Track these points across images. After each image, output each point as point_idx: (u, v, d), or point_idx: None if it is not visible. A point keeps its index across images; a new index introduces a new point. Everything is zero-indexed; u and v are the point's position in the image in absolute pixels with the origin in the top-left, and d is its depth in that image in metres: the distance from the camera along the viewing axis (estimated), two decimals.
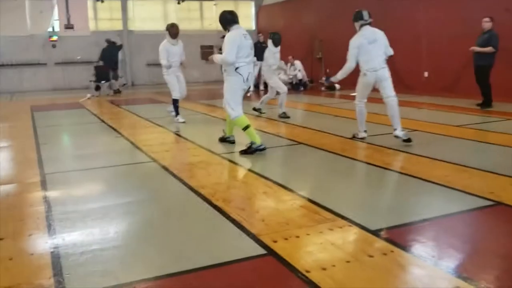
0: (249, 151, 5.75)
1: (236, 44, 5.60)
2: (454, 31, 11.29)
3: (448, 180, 4.36)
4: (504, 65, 10.24)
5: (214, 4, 20.28)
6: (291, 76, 15.23)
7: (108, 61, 15.00)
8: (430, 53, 12.12)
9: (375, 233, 3.20)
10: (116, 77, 15.35)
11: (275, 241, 3.09)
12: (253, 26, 21.06)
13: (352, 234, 3.24)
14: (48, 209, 3.91)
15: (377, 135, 6.80)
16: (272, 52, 8.94)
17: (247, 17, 21.18)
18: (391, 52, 6.19)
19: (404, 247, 2.97)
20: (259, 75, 15.93)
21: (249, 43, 5.82)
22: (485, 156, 5.50)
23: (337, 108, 10.28)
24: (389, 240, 3.09)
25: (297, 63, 15.25)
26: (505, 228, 3.38)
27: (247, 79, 5.81)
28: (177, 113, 8.77)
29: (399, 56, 12.94)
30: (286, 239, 3.13)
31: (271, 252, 2.97)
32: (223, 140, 6.55)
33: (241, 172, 5.02)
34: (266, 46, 14.87)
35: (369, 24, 6.18)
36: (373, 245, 3.05)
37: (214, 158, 5.71)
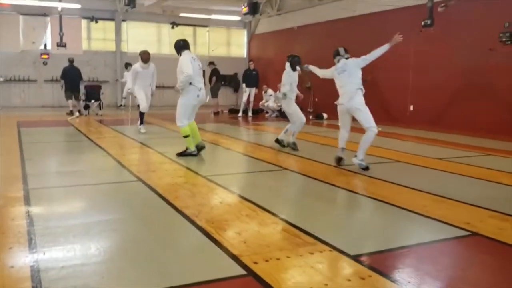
0: (184, 154, 7.28)
1: (189, 62, 6.99)
2: (440, 65, 11.62)
3: (427, 209, 4.46)
4: (487, 102, 10.55)
5: (207, 31, 20.62)
6: (279, 104, 15.41)
7: (70, 81, 14.77)
8: (416, 87, 12.40)
9: (354, 258, 3.25)
10: (77, 98, 14.94)
11: (255, 263, 3.13)
12: (244, 54, 21.39)
13: (331, 258, 3.29)
14: (30, 223, 3.90)
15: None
16: (289, 76, 8.23)
17: (239, 45, 21.53)
18: (373, 55, 6.55)
19: (382, 272, 3.03)
20: (248, 101, 16.15)
21: (198, 64, 7.21)
22: (464, 188, 5.63)
23: (323, 136, 10.44)
24: (367, 265, 3.15)
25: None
26: (480, 258, 3.46)
27: (199, 95, 7.12)
28: (141, 122, 10.33)
29: (387, 88, 13.36)
30: (266, 261, 3.17)
31: (251, 273, 3.00)
32: (182, 152, 7.37)
33: (225, 194, 5.07)
34: (256, 73, 14.98)
35: (347, 58, 6.78)
36: (351, 269, 3.11)
37: (199, 179, 5.76)
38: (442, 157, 7.65)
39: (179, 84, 7.04)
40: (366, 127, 6.31)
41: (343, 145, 6.73)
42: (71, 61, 15.07)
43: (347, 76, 6.53)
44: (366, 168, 6.29)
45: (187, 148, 7.31)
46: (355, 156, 6.39)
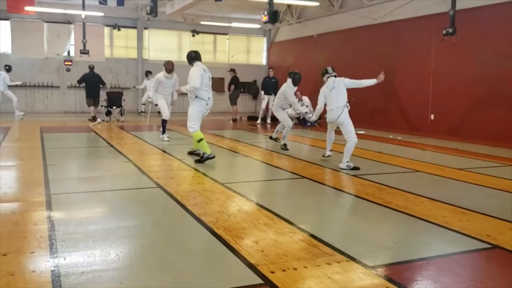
0: (202, 160, 7.35)
1: (200, 74, 7.29)
2: (462, 74, 11.49)
3: (447, 221, 4.41)
4: (510, 111, 10.38)
5: (227, 38, 20.77)
6: (298, 112, 15.41)
7: (91, 87, 15.05)
8: (436, 96, 12.27)
9: (372, 269, 3.24)
10: (96, 105, 15.17)
11: (272, 272, 3.14)
12: (263, 61, 21.47)
13: (349, 269, 3.27)
14: (52, 229, 3.98)
15: (379, 173, 6.88)
16: (291, 90, 9.24)
17: (259, 53, 21.63)
18: (361, 83, 7.46)
19: (399, 284, 3.00)
20: (267, 108, 16.19)
21: (207, 75, 7.48)
22: (484, 199, 5.53)
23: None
24: (385, 277, 3.13)
25: (305, 98, 15.46)
26: (500, 271, 3.40)
27: (207, 103, 7.51)
28: (163, 132, 10.36)
29: (407, 97, 13.25)
30: (283, 270, 3.18)
31: (268, 282, 3.01)
32: (198, 157, 7.63)
33: (243, 202, 5.09)
34: (276, 81, 15.32)
35: (334, 76, 7.59)
36: (369, 281, 3.09)
37: (217, 187, 5.79)
38: (463, 167, 7.54)
39: (184, 88, 7.52)
40: (348, 137, 7.27)
41: (330, 148, 8.07)
42: (91, 67, 15.36)
43: (336, 93, 7.35)
44: (357, 168, 7.03)
45: (203, 154, 7.39)
46: (341, 162, 7.17)
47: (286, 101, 9.43)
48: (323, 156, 8.08)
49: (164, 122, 10.38)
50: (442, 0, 11.46)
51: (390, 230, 4.36)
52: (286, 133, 9.31)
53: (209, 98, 7.51)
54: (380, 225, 4.48)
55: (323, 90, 7.58)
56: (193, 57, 7.61)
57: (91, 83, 15.07)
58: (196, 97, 7.43)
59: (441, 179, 6.67)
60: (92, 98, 15.06)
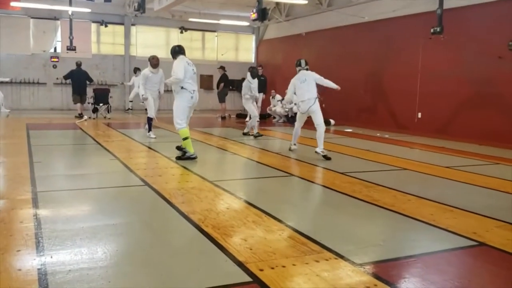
0: (183, 157, 7.43)
1: (183, 66, 7.25)
2: (449, 73, 11.59)
3: (434, 218, 4.45)
4: (496, 110, 10.51)
5: (216, 36, 20.72)
6: (287, 109, 15.44)
7: (77, 84, 14.93)
8: (424, 94, 12.38)
9: (360, 266, 3.25)
10: (83, 102, 15.05)
11: (261, 270, 3.14)
12: (252, 59, 21.46)
13: (337, 266, 3.28)
14: (38, 226, 3.93)
15: (366, 171, 6.92)
16: (251, 83, 10.87)
17: (248, 50, 21.61)
18: (325, 82, 8.17)
19: (387, 281, 3.02)
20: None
21: (191, 68, 7.42)
22: (471, 197, 5.60)
23: (330, 143, 10.40)
24: (373, 274, 3.14)
25: (277, 95, 15.66)
26: (486, 268, 3.44)
27: (192, 97, 7.39)
28: (149, 130, 10.43)
29: (394, 95, 13.34)
30: (272, 268, 3.18)
31: (256, 280, 3.00)
32: (181, 156, 7.61)
33: (232, 200, 5.08)
34: (265, 79, 15.77)
35: (306, 69, 8.28)
36: (357, 278, 3.10)
37: (206, 184, 5.78)
38: (450, 166, 7.62)
39: (168, 81, 7.53)
40: (318, 124, 7.98)
41: (295, 142, 8.76)
42: (78, 64, 15.19)
43: (306, 86, 8.03)
44: (328, 158, 7.73)
45: (185, 152, 7.45)
46: (317, 149, 7.89)
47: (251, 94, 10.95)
48: (289, 149, 8.73)
49: (149, 120, 10.45)
50: None
51: (378, 227, 4.38)
52: (254, 123, 10.90)
53: (194, 90, 7.42)
54: (368, 223, 4.51)
55: (293, 81, 8.26)
56: (177, 51, 7.56)
57: (78, 79, 14.92)
58: (181, 88, 7.33)
59: (428, 177, 6.73)
60: (79, 95, 14.90)
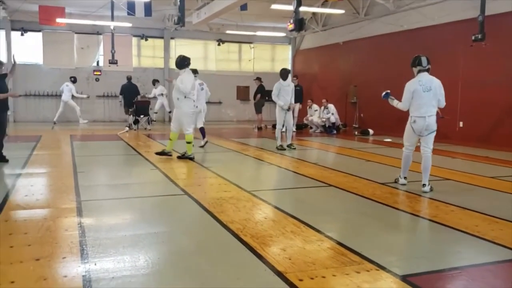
0: (183, 157, 8.58)
1: (191, 82, 8.31)
2: (490, 80, 11.25)
3: (478, 230, 4.31)
4: None
5: (252, 47, 20.89)
6: (324, 119, 15.35)
7: (128, 97, 15.39)
8: (465, 103, 12.05)
9: (402, 278, 3.18)
10: (133, 113, 15.43)
11: (301, 280, 3.12)
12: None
13: (379, 278, 3.23)
14: (82, 234, 4.05)
15: (408, 181, 6.77)
16: (280, 85, 10.77)
17: (284, 60, 21.65)
18: (443, 104, 6.18)
19: None
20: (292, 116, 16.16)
21: (197, 83, 8.94)
22: None
23: (369, 153, 10.27)
24: (415, 286, 3.07)
25: (331, 106, 15.40)
26: None
27: (196, 106, 8.73)
28: (203, 137, 10.69)
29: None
30: (312, 278, 3.16)
31: None
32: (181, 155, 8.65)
33: (270, 210, 5.08)
34: (300, 89, 15.55)
35: (427, 70, 6.06)
36: None
37: (244, 194, 5.80)
38: (494, 175, 7.37)
39: (175, 82, 8.33)
40: (427, 149, 6.15)
41: (406, 174, 6.50)
42: (129, 78, 15.73)
43: (431, 96, 5.99)
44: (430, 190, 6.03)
45: (185, 152, 8.63)
46: (424, 185, 6.01)
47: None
48: (395, 181, 6.58)
49: (202, 130, 10.63)
50: (471, 5, 11.28)
51: (419, 238, 4.28)
52: (277, 134, 10.60)
53: (195, 100, 8.61)
54: (409, 234, 4.42)
55: (413, 86, 5.97)
56: (186, 64, 8.39)
57: (128, 93, 15.43)
58: (185, 97, 8.25)
59: (471, 187, 6.53)
60: (129, 107, 15.39)
